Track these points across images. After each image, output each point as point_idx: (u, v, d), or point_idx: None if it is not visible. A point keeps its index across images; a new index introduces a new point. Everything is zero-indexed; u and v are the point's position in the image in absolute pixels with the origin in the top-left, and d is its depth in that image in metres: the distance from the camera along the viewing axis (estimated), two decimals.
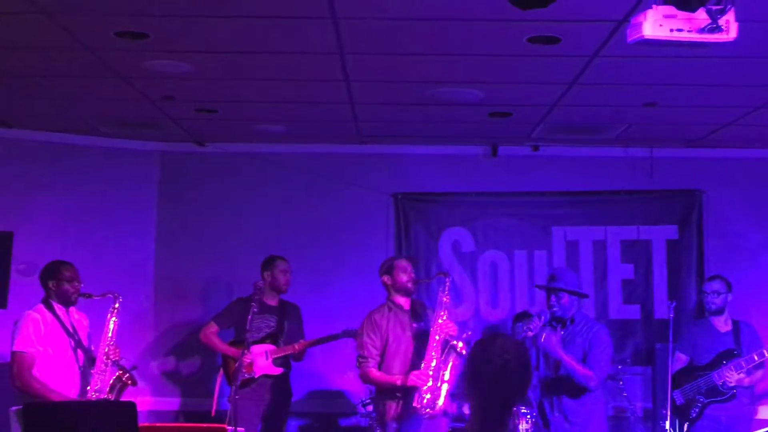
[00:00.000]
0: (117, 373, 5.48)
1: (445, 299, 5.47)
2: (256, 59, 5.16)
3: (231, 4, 4.23)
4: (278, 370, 6.40)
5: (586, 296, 5.95)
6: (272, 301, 6.47)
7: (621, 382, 6.66)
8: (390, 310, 5.59)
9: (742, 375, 6.00)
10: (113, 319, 5.53)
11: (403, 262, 5.69)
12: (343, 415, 7.27)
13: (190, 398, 7.40)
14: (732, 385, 6.02)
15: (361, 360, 5.54)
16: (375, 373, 5.49)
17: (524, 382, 2.66)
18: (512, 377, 2.61)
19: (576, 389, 5.38)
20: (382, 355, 5.50)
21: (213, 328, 6.51)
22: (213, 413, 6.56)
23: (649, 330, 7.36)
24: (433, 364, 5.32)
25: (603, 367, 5.43)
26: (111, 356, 5.44)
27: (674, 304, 5.98)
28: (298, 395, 7.24)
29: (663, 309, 7.25)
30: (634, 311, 7.47)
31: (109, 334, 5.48)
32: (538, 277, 7.51)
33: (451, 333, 5.36)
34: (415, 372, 5.35)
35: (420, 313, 5.63)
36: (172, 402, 7.38)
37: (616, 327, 7.12)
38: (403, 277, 5.58)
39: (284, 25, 4.52)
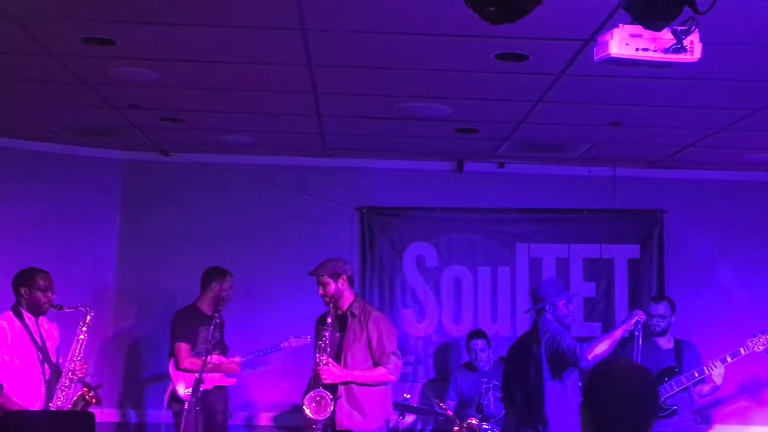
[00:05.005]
0: (81, 391, 5.37)
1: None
2: (223, 69, 5.14)
3: (200, 13, 4.21)
4: (231, 381, 6.39)
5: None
6: (210, 311, 6.41)
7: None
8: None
9: (723, 369, 6.10)
10: (84, 335, 5.44)
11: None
12: None
13: (128, 410, 7.32)
14: (715, 379, 6.12)
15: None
16: None
17: (649, 408, 2.39)
18: (638, 404, 2.36)
19: None
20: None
21: (187, 348, 6.32)
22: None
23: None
24: None
25: None
26: (77, 372, 5.34)
27: (641, 324, 6.01)
28: (284, 408, 7.24)
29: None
30: (595, 329, 7.53)
31: (78, 350, 5.38)
32: (501, 293, 7.57)
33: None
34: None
35: (345, 321, 5.54)
36: (111, 413, 7.25)
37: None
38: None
39: (253, 35, 4.51)
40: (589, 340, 5.52)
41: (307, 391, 5.42)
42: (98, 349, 7.21)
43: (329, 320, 5.47)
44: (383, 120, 6.22)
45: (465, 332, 7.27)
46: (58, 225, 7.24)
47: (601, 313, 7.58)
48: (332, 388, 5.37)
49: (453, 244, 7.60)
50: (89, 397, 5.36)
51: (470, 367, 6.98)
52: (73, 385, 5.33)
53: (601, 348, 5.28)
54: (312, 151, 7.33)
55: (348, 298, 5.55)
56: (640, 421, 2.38)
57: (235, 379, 6.49)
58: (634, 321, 5.55)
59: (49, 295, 5.39)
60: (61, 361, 5.50)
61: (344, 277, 5.53)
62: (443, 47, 4.59)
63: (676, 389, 6.17)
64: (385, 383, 5.47)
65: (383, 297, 7.49)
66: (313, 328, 5.75)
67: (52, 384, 5.33)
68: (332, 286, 5.48)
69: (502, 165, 7.58)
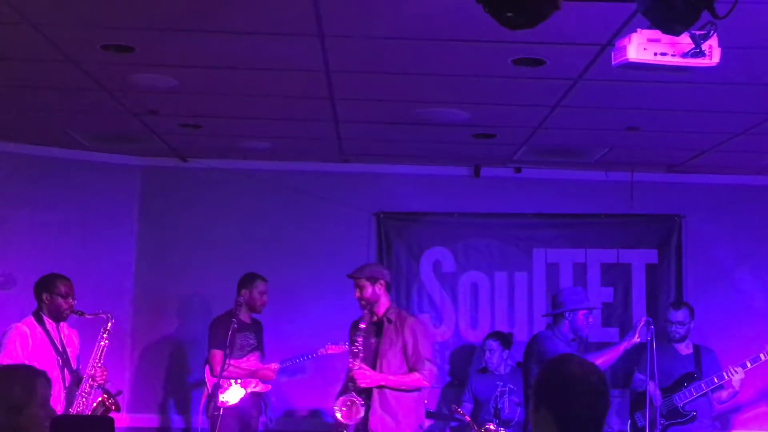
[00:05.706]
0: (101, 397, 5.41)
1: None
2: (241, 75, 5.16)
3: (218, 19, 4.24)
4: (266, 387, 6.41)
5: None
6: (247, 318, 6.46)
7: None
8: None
9: (742, 374, 6.07)
10: (104, 341, 5.48)
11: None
12: None
13: (168, 415, 7.35)
14: (735, 384, 6.10)
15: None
16: None
17: (605, 405, 2.41)
18: (596, 392, 2.38)
19: None
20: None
21: (222, 355, 6.18)
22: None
23: (626, 353, 7.37)
24: None
25: None
26: (97, 379, 5.38)
27: (653, 328, 5.99)
28: (301, 413, 7.24)
29: (642, 332, 7.28)
30: (612, 334, 7.49)
31: (98, 356, 5.42)
32: (518, 299, 7.55)
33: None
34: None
35: (381, 327, 5.52)
36: (151, 419, 7.31)
37: (595, 350, 7.12)
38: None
39: (271, 41, 4.53)
40: (603, 347, 5.49)
41: (339, 396, 5.43)
42: (115, 354, 7.22)
43: (362, 325, 5.45)
44: (400, 125, 6.23)
45: (482, 337, 7.25)
46: (77, 231, 7.27)
47: (618, 319, 7.55)
48: (366, 393, 5.36)
49: (470, 249, 7.59)
50: (109, 403, 5.39)
51: (484, 370, 6.98)
52: (93, 391, 5.37)
53: (597, 363, 5.22)
54: (329, 156, 7.34)
55: (384, 303, 5.53)
56: (600, 411, 2.39)
57: (270, 386, 6.50)
58: (637, 333, 5.47)
59: (70, 300, 5.43)
60: (80, 367, 5.53)
61: (382, 282, 5.52)
62: (460, 52, 4.59)
63: (695, 395, 6.16)
64: (418, 389, 5.46)
65: (400, 302, 7.47)
66: (345, 333, 5.77)
67: (72, 390, 5.37)
68: (369, 290, 5.48)
69: (519, 170, 7.57)
